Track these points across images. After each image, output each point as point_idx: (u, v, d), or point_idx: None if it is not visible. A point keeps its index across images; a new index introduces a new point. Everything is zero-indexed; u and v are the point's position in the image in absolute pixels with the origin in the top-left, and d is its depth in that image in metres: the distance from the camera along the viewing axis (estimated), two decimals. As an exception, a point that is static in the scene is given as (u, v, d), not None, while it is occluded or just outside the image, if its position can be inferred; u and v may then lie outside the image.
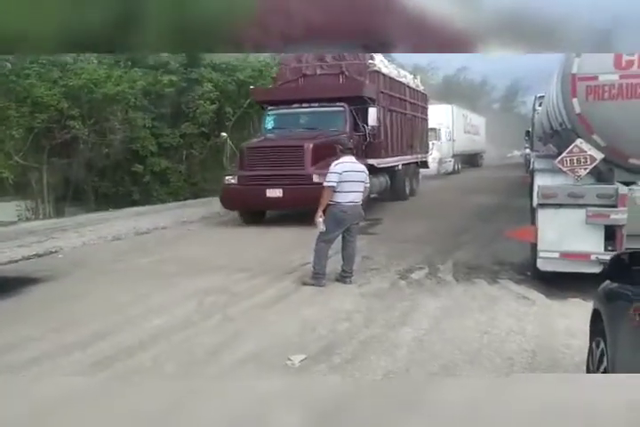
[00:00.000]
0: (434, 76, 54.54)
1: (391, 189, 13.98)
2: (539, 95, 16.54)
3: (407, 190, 15.45)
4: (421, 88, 17.80)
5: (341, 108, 11.61)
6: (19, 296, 6.16)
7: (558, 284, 5.89)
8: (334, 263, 6.55)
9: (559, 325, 4.86)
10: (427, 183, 19.39)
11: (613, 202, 5.55)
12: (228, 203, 11.16)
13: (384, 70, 13.62)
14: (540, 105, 14.96)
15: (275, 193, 10.30)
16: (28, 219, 14.31)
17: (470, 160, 34.53)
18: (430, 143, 22.57)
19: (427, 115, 18.48)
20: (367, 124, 11.65)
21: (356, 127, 11.71)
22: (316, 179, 9.59)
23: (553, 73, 8.55)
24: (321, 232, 6.31)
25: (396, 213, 12.71)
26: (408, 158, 15.25)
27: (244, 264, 7.33)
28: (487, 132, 41.73)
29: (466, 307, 5.46)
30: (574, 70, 5.53)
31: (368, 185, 6.63)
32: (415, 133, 16.45)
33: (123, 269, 7.35)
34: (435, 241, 8.88)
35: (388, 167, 13.43)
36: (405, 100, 15.35)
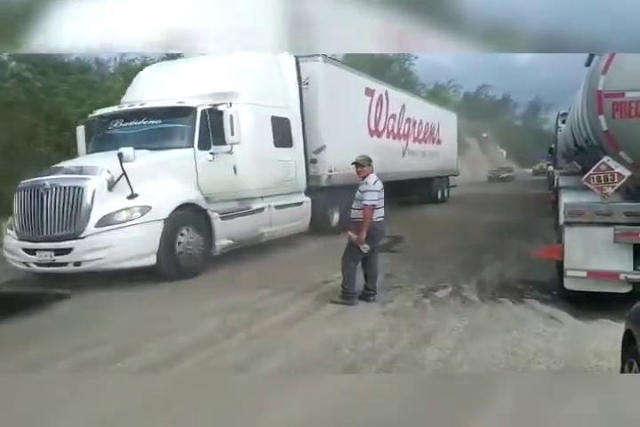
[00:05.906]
0: (455, 93, 54.54)
1: None
2: (562, 112, 16.44)
3: None
4: None
5: None
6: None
7: (586, 304, 5.76)
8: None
9: (588, 346, 4.74)
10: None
11: (642, 220, 5.44)
12: None
13: None
14: (563, 122, 14.87)
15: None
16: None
17: (417, 190, 18.58)
18: None
19: None
20: None
21: None
22: None
23: (577, 90, 8.51)
24: (348, 250, 6.28)
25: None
26: None
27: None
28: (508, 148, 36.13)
29: (492, 327, 5.37)
30: (600, 87, 5.46)
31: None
32: None
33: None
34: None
35: None
36: None
